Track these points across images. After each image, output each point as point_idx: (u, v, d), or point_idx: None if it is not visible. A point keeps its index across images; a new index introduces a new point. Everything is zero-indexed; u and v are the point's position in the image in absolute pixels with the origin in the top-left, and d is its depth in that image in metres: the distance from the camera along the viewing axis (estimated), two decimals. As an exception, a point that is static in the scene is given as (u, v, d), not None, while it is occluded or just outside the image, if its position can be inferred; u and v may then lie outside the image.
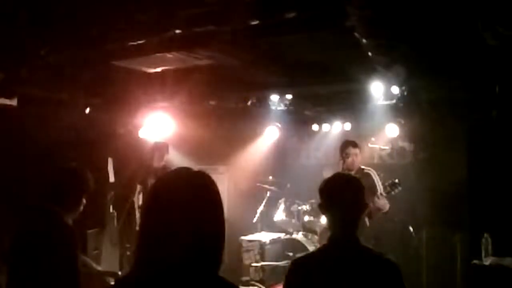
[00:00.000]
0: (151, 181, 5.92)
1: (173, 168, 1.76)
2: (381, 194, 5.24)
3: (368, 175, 5.57)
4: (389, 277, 2.34)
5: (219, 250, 1.61)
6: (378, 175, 5.69)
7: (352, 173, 5.48)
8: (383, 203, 5.23)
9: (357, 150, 5.77)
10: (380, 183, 5.51)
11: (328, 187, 2.53)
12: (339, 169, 5.65)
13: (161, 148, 6.40)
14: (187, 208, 1.56)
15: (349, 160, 5.68)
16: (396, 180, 5.27)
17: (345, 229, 2.41)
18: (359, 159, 5.78)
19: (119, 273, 4.11)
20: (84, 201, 3.05)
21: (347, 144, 5.81)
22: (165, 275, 1.53)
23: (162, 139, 6.72)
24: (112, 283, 3.67)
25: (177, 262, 1.53)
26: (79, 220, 3.11)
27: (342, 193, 2.46)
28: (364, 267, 2.33)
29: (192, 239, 1.54)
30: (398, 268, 2.36)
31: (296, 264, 2.48)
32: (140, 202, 6.41)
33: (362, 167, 5.77)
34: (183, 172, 1.68)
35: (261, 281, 6.49)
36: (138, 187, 6.48)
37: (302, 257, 2.67)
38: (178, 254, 1.53)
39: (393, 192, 5.26)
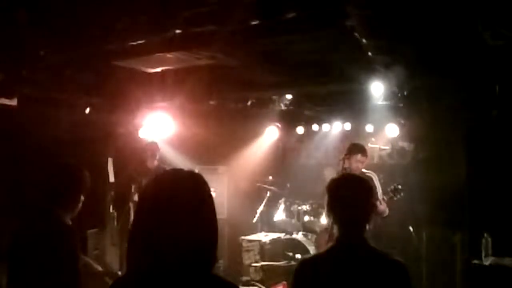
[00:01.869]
0: (144, 182, 5.91)
1: (167, 167, 1.77)
2: (383, 199, 5.20)
3: (370, 179, 5.50)
4: (397, 277, 2.33)
5: (212, 248, 1.63)
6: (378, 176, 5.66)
7: None
8: (384, 208, 5.21)
9: (364, 159, 5.68)
10: (380, 188, 5.47)
11: (335, 187, 2.51)
12: (339, 169, 5.61)
13: (152, 148, 6.39)
14: (179, 208, 1.58)
15: (354, 166, 5.56)
16: (399, 186, 5.23)
17: (352, 229, 2.40)
18: (363, 166, 5.71)
19: (119, 273, 4.10)
20: (82, 198, 3.04)
21: (356, 150, 5.64)
22: (159, 274, 1.54)
23: (152, 139, 6.71)
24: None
25: (170, 262, 1.54)
26: (79, 220, 3.10)
27: (350, 194, 2.44)
28: (372, 268, 2.33)
29: (184, 238, 1.55)
30: (406, 269, 2.36)
31: (304, 265, 2.48)
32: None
33: (364, 170, 5.71)
34: (175, 173, 1.70)
35: (261, 281, 6.49)
36: (133, 187, 6.47)
37: (309, 257, 2.67)
38: (171, 254, 1.54)
39: (395, 198, 5.22)
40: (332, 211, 2.49)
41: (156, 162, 6.33)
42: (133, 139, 7.09)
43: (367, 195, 2.49)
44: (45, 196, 2.98)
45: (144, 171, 6.14)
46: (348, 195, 2.44)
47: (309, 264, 2.48)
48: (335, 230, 2.51)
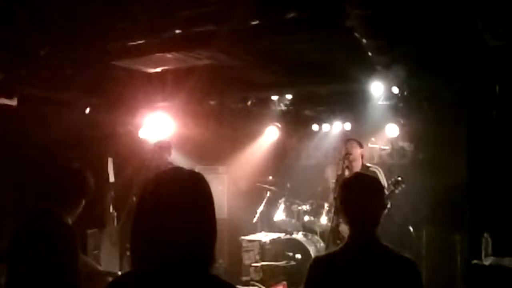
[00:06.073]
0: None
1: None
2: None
3: (374, 173, 5.46)
4: (410, 275, 2.39)
5: (211, 248, 1.63)
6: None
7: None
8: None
9: (362, 151, 5.65)
10: (385, 182, 5.43)
11: (348, 187, 2.54)
12: (340, 169, 5.58)
13: (163, 148, 6.36)
14: (178, 207, 1.57)
15: (351, 159, 5.55)
16: (399, 178, 5.11)
17: (365, 228, 2.43)
18: (362, 160, 5.67)
19: (119, 273, 4.10)
20: (83, 203, 3.05)
21: (352, 145, 5.63)
22: (157, 274, 1.55)
23: (164, 139, 6.67)
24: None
25: (169, 261, 1.54)
26: (79, 220, 3.10)
27: (362, 193, 2.46)
28: (386, 265, 2.36)
29: (183, 238, 1.55)
30: (417, 268, 2.42)
31: (318, 262, 2.49)
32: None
33: (368, 164, 5.66)
34: (176, 172, 1.69)
35: (261, 281, 6.49)
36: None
37: (324, 255, 2.69)
38: (170, 253, 1.54)
39: (397, 190, 5.10)
40: (345, 210, 2.51)
41: (168, 161, 6.28)
42: (133, 139, 7.09)
43: (379, 195, 2.53)
44: (47, 196, 2.98)
45: (150, 170, 6.10)
46: (361, 194, 2.46)
47: (323, 261, 2.49)
48: (343, 228, 2.54)
